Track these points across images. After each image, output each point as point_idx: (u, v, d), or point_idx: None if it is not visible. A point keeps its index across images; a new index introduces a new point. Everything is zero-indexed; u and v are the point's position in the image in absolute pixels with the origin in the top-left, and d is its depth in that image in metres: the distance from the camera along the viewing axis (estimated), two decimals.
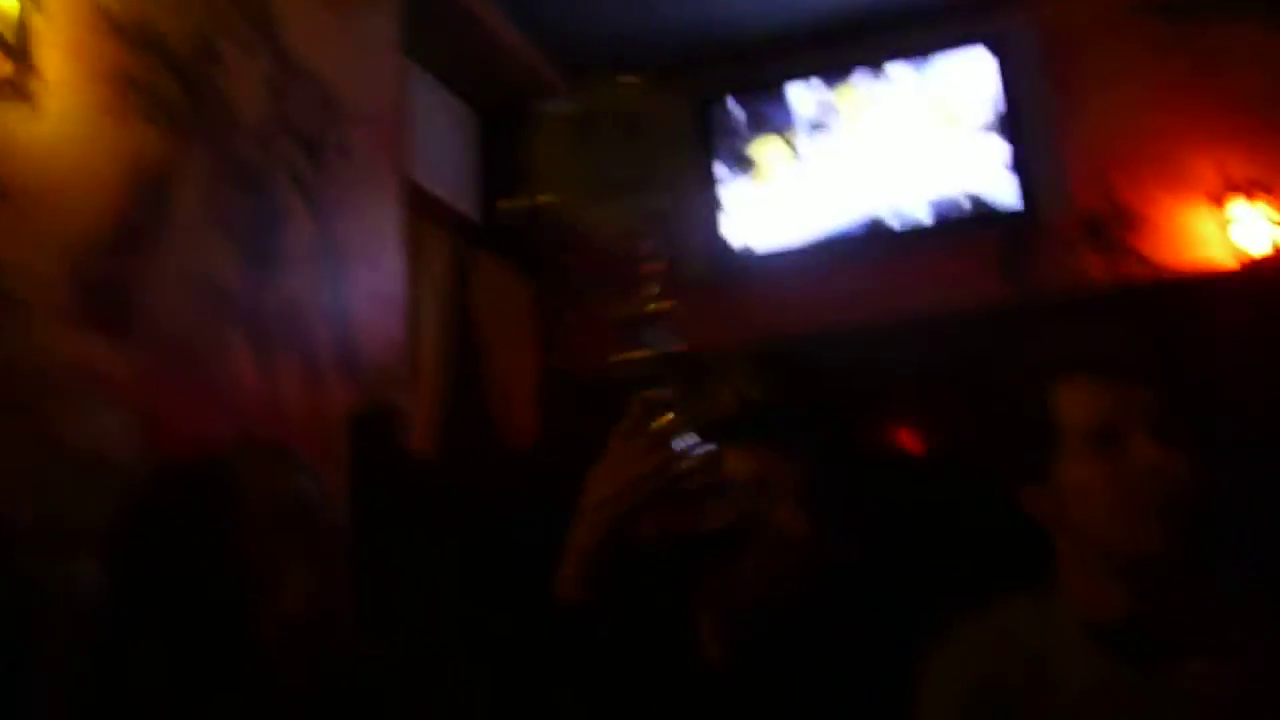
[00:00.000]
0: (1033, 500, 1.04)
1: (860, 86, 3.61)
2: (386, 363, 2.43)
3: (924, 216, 3.52)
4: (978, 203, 3.49)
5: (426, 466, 2.16)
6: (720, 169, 3.67)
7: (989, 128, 3.49)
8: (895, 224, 3.54)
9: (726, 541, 1.05)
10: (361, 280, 2.45)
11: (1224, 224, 3.22)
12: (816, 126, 3.62)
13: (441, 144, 3.16)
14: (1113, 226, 3.38)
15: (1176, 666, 0.96)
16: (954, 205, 3.51)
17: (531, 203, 0.92)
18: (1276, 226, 3.14)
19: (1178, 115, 3.35)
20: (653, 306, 0.92)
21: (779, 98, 3.66)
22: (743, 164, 3.66)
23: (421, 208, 3.01)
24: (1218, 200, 3.24)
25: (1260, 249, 3.15)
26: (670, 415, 0.95)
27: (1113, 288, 3.21)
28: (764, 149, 3.65)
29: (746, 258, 3.65)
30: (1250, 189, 3.17)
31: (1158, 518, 0.94)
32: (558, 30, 3.51)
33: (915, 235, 3.53)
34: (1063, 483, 1.01)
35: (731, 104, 3.68)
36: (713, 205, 3.65)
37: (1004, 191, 3.46)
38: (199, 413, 1.90)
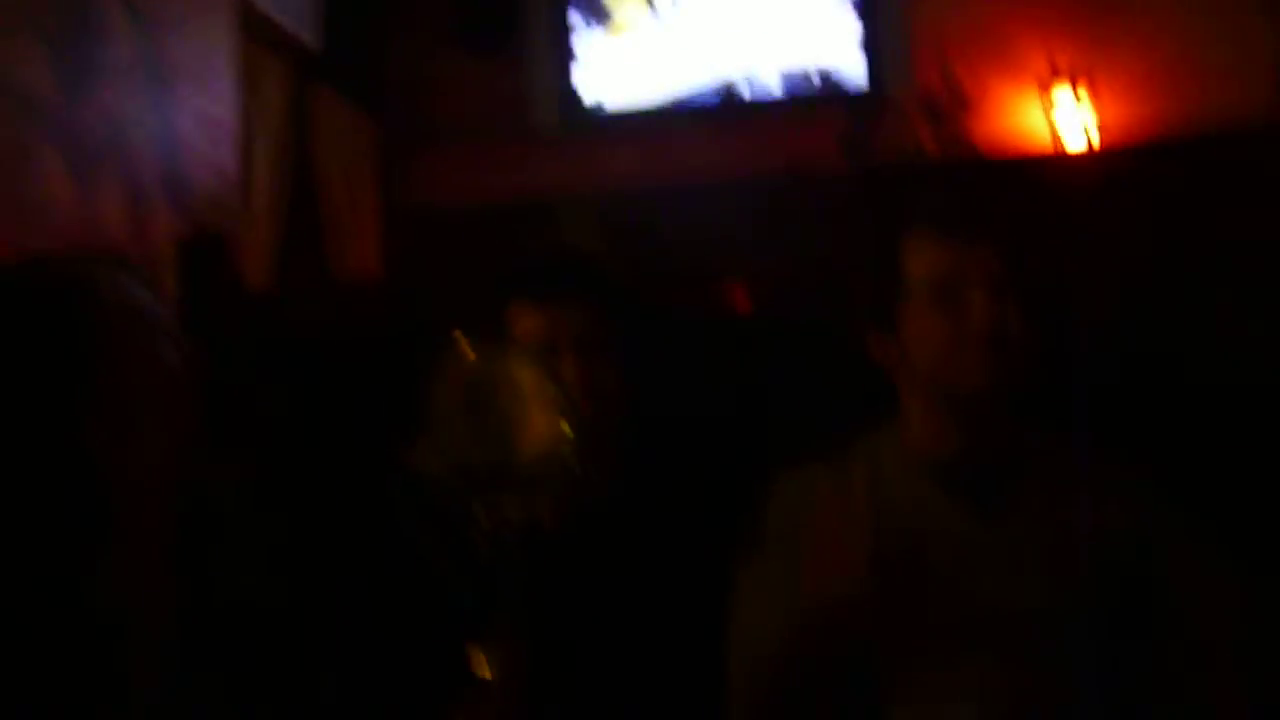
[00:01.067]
0: (878, 347, 1.11)
1: None
2: (217, 192, 2.30)
3: (775, 86, 3.57)
4: (827, 77, 3.56)
5: (263, 299, 2.08)
6: (575, 17, 3.57)
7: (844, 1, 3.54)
8: (747, 91, 3.57)
9: None
10: (190, 103, 2.29)
11: (1049, 109, 3.42)
12: None
13: None
14: (949, 107, 3.52)
15: (1005, 501, 1.07)
16: (804, 78, 3.57)
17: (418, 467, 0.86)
18: (1093, 113, 3.36)
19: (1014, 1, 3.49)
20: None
21: None
22: (599, 14, 3.58)
23: (256, 31, 2.80)
24: (1045, 86, 3.42)
25: (1077, 134, 3.37)
26: None
27: (952, 161, 3.36)
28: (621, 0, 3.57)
29: (597, 112, 3.61)
30: (1074, 76, 3.36)
31: (985, 355, 1.03)
32: None
33: (765, 105, 3.58)
34: (906, 330, 1.08)
35: None
36: (566, 54, 3.56)
37: (853, 68, 3.54)
38: (6, 233, 1.76)
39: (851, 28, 3.54)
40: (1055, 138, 3.40)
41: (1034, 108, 3.46)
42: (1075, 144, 3.38)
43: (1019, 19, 3.48)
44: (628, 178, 3.46)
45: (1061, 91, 3.37)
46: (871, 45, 3.54)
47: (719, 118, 3.60)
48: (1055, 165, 3.32)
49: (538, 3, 3.57)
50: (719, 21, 3.57)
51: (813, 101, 3.58)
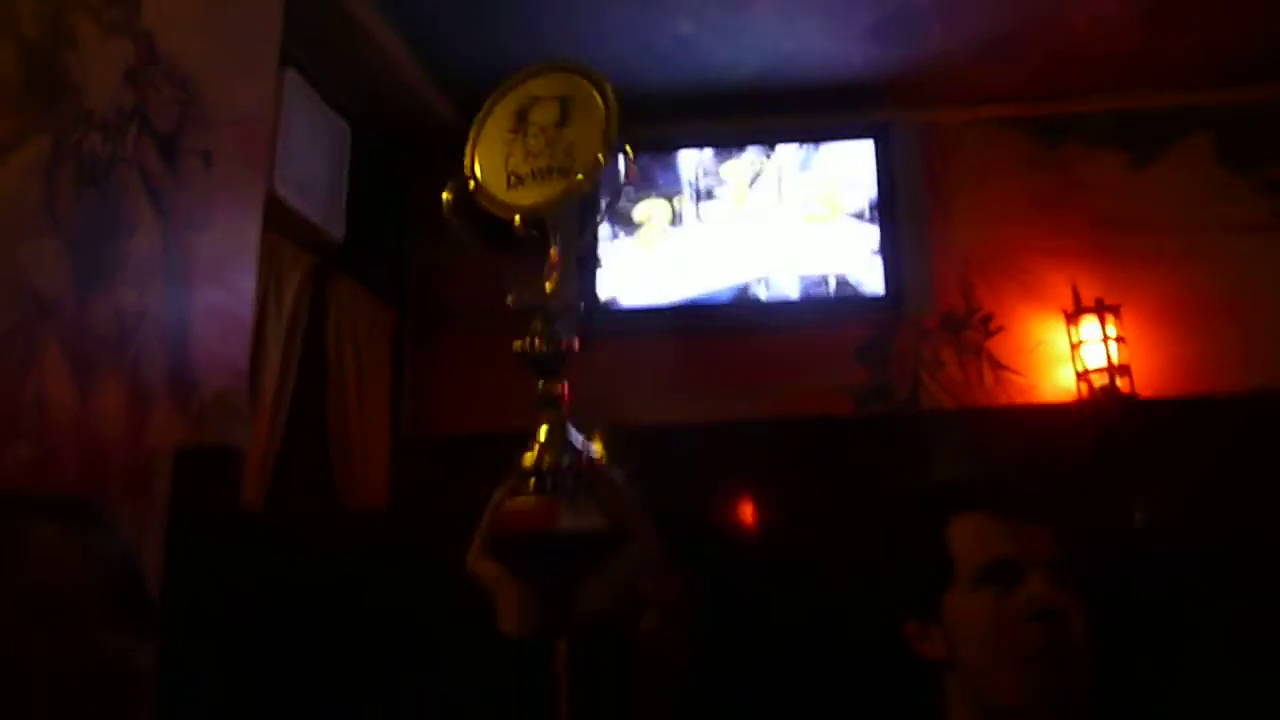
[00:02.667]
0: (918, 635, 0.99)
1: (749, 161, 3.62)
2: (225, 392, 2.19)
3: (792, 292, 3.54)
4: (845, 286, 3.54)
5: (259, 521, 1.94)
6: (603, 224, 3.59)
7: (864, 216, 3.56)
8: (764, 296, 3.55)
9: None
10: (207, 299, 2.22)
11: (1074, 337, 3.38)
12: (702, 194, 3.60)
13: (309, 156, 2.94)
14: (970, 326, 3.50)
15: None
16: (822, 286, 3.55)
17: (460, 185, 0.89)
18: (1119, 345, 3.32)
19: (1038, 229, 3.51)
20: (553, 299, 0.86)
21: (669, 160, 3.62)
22: (624, 220, 3.60)
23: (280, 222, 2.79)
24: (1069, 314, 3.40)
25: (1101, 364, 3.32)
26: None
27: (991, 411, 3.29)
28: (647, 208, 3.60)
29: (614, 309, 3.58)
30: (1100, 309, 3.34)
31: (1036, 667, 0.91)
32: (447, 54, 3.37)
33: (782, 309, 3.55)
34: (950, 618, 0.96)
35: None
36: (589, 256, 3.56)
37: (871, 279, 3.52)
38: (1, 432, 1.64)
39: (870, 243, 3.55)
40: (1081, 367, 3.35)
41: (1058, 331, 3.44)
42: (1098, 367, 3.33)
43: (1042, 249, 3.50)
44: (643, 378, 3.39)
45: (1087, 322, 3.34)
46: (890, 257, 3.53)
47: (736, 319, 3.57)
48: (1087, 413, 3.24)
49: None
50: (741, 229, 3.58)
51: (829, 308, 3.55)
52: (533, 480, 0.86)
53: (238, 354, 2.32)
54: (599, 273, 3.56)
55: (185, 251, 2.16)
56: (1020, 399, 3.39)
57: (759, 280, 3.55)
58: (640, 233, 3.59)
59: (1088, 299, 3.38)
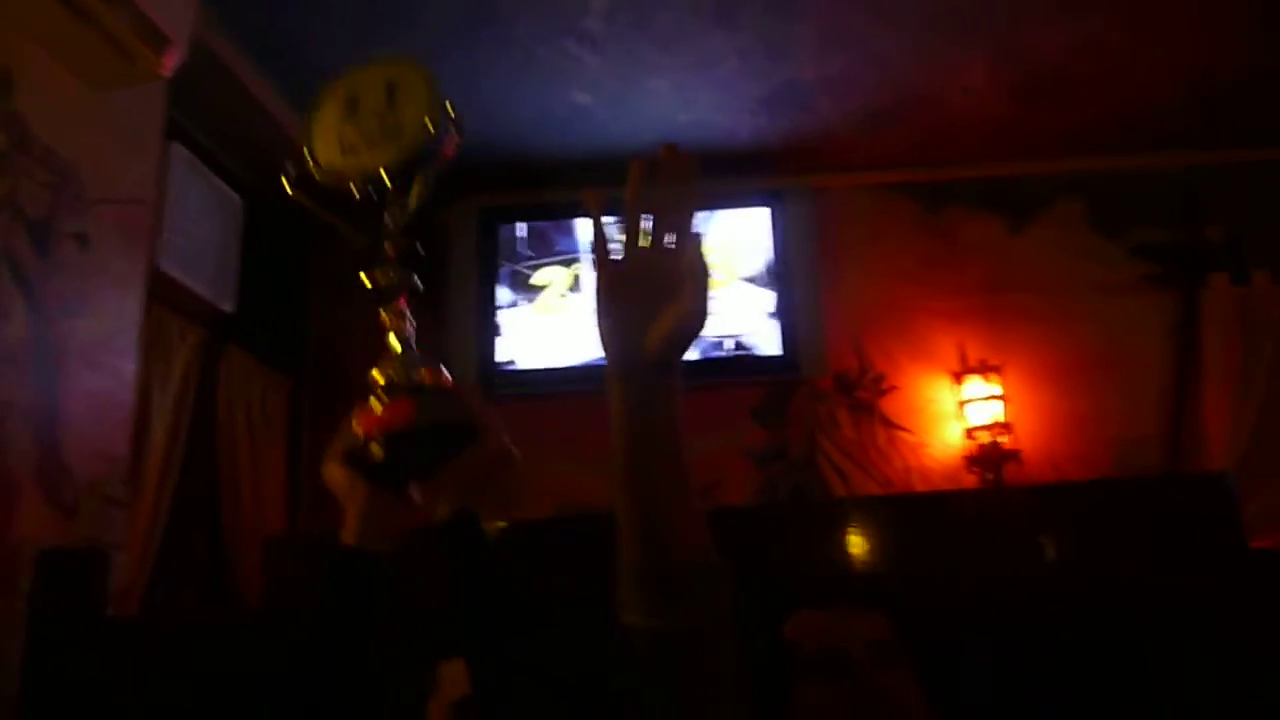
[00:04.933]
0: None
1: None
2: (101, 479, 2.14)
3: (690, 354, 3.59)
4: (742, 348, 3.62)
5: (130, 623, 1.89)
6: (500, 288, 3.62)
7: (759, 281, 3.65)
8: None
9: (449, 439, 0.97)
10: (84, 384, 2.16)
11: (960, 395, 3.50)
12: None
13: (197, 230, 2.90)
14: (862, 386, 3.60)
15: None
16: (719, 349, 3.62)
17: (299, 162, 0.98)
18: (1002, 404, 3.45)
19: (926, 291, 3.65)
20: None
21: (567, 227, 3.67)
22: (523, 286, 3.63)
23: (167, 297, 2.74)
24: (956, 374, 3.53)
25: (985, 421, 3.44)
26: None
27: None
28: (546, 274, 3.64)
29: (512, 372, 3.59)
30: (983, 369, 3.47)
31: None
32: None
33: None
34: (797, 707, 1.00)
35: (518, 227, 3.66)
36: (490, 322, 3.58)
37: (767, 341, 3.60)
38: None
39: (766, 306, 3.64)
40: (966, 426, 3.48)
41: (946, 390, 3.56)
42: (982, 424, 3.45)
43: (930, 310, 3.63)
44: (539, 434, 3.39)
45: (972, 383, 3.47)
46: (785, 320, 3.62)
47: None
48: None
49: (466, 274, 3.61)
50: None
51: (726, 370, 3.62)
52: (385, 388, 0.91)
53: (117, 439, 2.27)
54: (498, 340, 3.57)
55: (59, 337, 2.11)
56: (911, 457, 3.49)
57: None
58: (539, 299, 3.63)
59: (973, 358, 3.51)
